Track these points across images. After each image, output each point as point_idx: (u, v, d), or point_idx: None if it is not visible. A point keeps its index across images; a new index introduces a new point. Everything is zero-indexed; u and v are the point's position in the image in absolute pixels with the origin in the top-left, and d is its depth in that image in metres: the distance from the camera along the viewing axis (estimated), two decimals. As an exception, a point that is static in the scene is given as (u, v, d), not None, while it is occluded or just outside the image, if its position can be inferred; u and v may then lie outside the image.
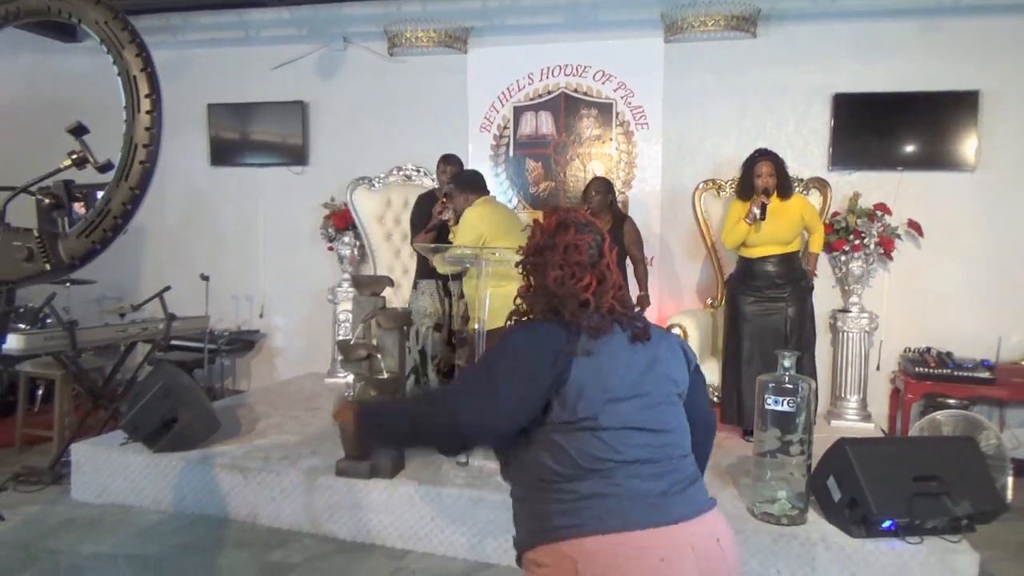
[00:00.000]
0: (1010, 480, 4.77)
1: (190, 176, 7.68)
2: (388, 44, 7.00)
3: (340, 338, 6.49)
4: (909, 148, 6.07)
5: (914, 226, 5.98)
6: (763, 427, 4.12)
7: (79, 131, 2.63)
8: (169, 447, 5.18)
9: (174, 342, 6.80)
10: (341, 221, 7.07)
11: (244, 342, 7.54)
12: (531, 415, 2.35)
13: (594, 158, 6.77)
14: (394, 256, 7.03)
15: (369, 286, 5.05)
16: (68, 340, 5.44)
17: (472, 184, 5.58)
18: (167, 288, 6.11)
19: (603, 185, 6.02)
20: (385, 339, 4.84)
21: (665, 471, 2.34)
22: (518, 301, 2.59)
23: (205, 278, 6.82)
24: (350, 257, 7.17)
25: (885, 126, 6.12)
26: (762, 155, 5.45)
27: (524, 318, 2.56)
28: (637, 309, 2.51)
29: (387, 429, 2.61)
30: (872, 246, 5.92)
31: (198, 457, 5.08)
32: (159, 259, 7.70)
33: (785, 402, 4.06)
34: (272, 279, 7.67)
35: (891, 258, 6.05)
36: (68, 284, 6.48)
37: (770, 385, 4.09)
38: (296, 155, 7.45)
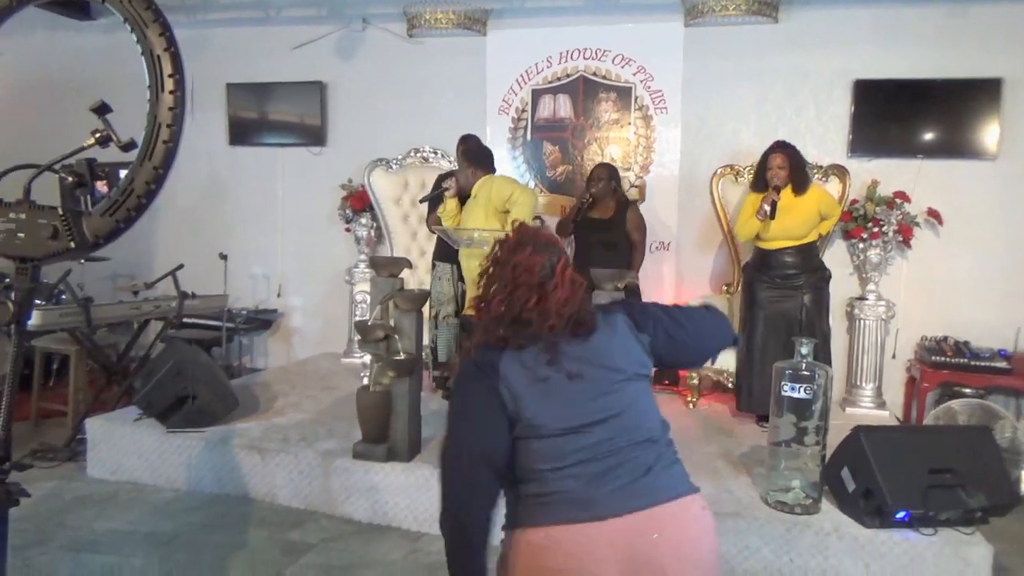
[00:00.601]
0: None
1: (209, 156, 7.69)
2: (407, 25, 7.00)
3: (357, 319, 6.49)
4: (929, 136, 6.03)
5: (933, 214, 5.95)
6: (779, 413, 4.12)
7: (102, 110, 2.63)
8: (184, 424, 5.26)
9: (192, 320, 6.83)
10: (358, 202, 7.07)
11: (262, 321, 7.57)
12: (501, 460, 2.46)
13: (612, 142, 6.76)
14: (411, 238, 7.03)
15: (387, 267, 5.05)
16: (83, 317, 5.51)
17: (479, 159, 5.60)
18: (180, 266, 6.14)
19: (607, 171, 6.05)
20: (402, 320, 4.85)
21: (606, 468, 2.39)
22: (471, 312, 2.72)
23: (223, 257, 6.83)
24: (367, 238, 7.17)
25: (905, 113, 6.07)
26: (776, 147, 5.42)
27: (475, 329, 2.63)
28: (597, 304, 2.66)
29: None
30: (891, 234, 5.89)
31: (216, 436, 5.12)
32: (177, 238, 7.72)
33: (801, 389, 4.06)
34: (290, 259, 7.69)
35: (909, 246, 6.01)
36: (83, 261, 6.50)
37: (787, 372, 4.09)
38: (314, 136, 7.45)
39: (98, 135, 2.65)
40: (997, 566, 3.84)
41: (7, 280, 3.26)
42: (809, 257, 5.40)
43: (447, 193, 5.71)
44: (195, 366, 5.35)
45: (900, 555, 3.85)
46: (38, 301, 6.02)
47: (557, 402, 2.46)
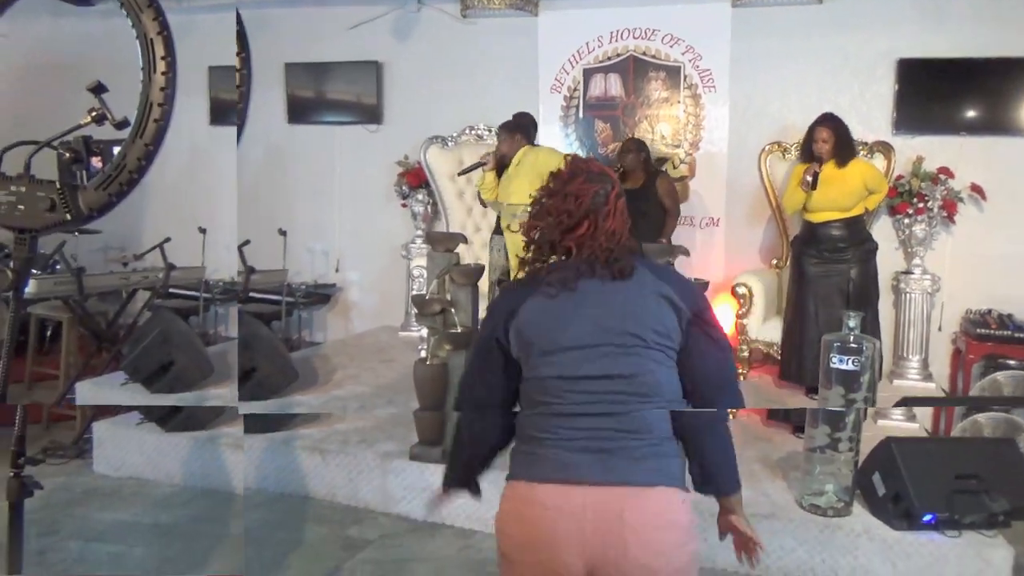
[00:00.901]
0: None
1: (267, 134, 7.91)
2: (461, 6, 7.19)
3: (414, 293, 6.70)
4: (972, 113, 6.15)
5: (977, 190, 6.08)
6: (828, 386, 4.30)
7: (98, 89, 2.82)
8: (166, 388, 5.56)
9: (253, 294, 7.08)
10: (414, 179, 7.28)
11: (320, 295, 7.78)
12: (493, 380, 2.60)
13: (662, 120, 6.92)
14: (466, 214, 7.24)
15: (443, 242, 5.23)
16: (76, 285, 5.85)
17: (520, 128, 5.77)
18: (167, 239, 6.54)
19: (635, 144, 6.30)
20: (459, 294, 5.02)
21: (602, 427, 2.43)
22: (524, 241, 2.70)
23: (283, 233, 7.06)
24: (423, 214, 7.36)
25: (949, 91, 6.18)
26: (822, 120, 5.57)
27: (526, 261, 2.69)
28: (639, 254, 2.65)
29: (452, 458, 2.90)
30: (935, 209, 6.02)
31: (280, 438, 5.36)
32: (239, 213, 7.93)
33: (850, 361, 4.22)
34: (348, 234, 7.91)
35: (954, 221, 6.13)
36: (76, 234, 6.78)
37: (835, 344, 4.25)
38: (371, 114, 7.66)
39: (94, 113, 2.85)
40: (1017, 567, 4.04)
41: (6, 250, 3.52)
42: (856, 230, 5.54)
43: (485, 167, 5.90)
44: (178, 334, 5.74)
45: (925, 556, 4.08)
46: (34, 271, 6.36)
47: (575, 352, 2.48)
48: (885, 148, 6.17)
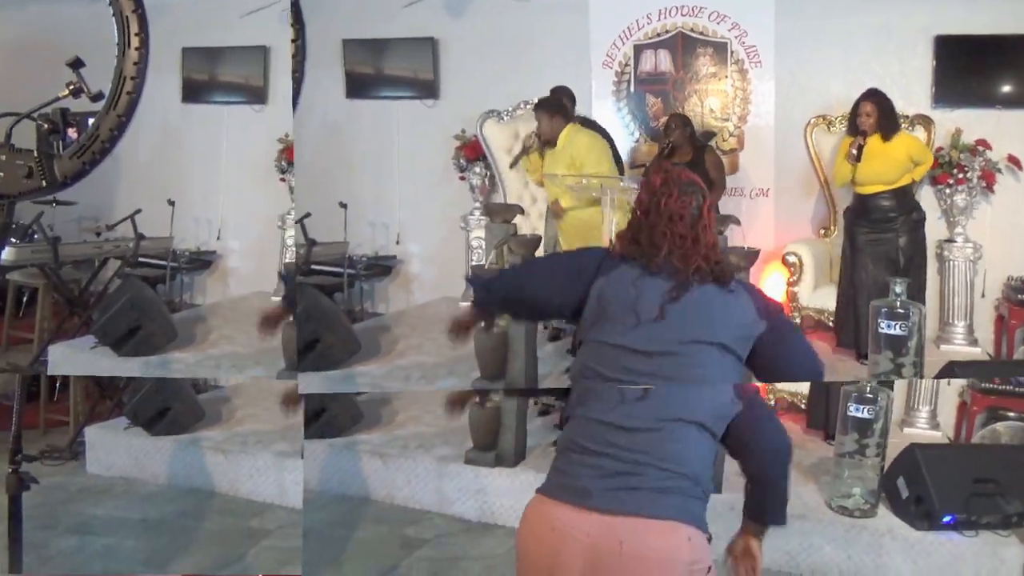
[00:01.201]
0: None
1: (327, 110, 8.16)
2: (514, -17, 7.43)
3: (474, 263, 6.98)
4: (1008, 88, 6.42)
5: (1014, 161, 6.33)
6: (877, 350, 4.62)
7: (76, 64, 3.08)
8: (132, 352, 6.11)
9: (314, 267, 7.38)
10: (472, 152, 7.52)
11: (382, 267, 7.97)
12: (540, 291, 2.77)
13: (711, 94, 7.17)
14: (523, 186, 7.41)
15: (500, 214, 5.49)
16: (51, 254, 6.32)
17: (551, 107, 6.00)
18: (138, 211, 6.94)
19: (680, 120, 6.56)
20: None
21: (616, 470, 2.47)
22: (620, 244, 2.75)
23: (343, 206, 7.35)
24: (480, 186, 7.59)
25: (985, 67, 6.45)
26: (866, 95, 5.88)
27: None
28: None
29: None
30: (975, 180, 6.29)
31: (340, 443, 5.75)
32: (300, 188, 8.17)
33: (897, 326, 4.55)
34: (407, 207, 8.06)
35: (993, 191, 6.39)
36: (54, 204, 7.00)
37: (883, 310, 4.59)
38: (428, 89, 7.88)
39: (71, 87, 3.10)
40: None
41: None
42: (904, 200, 5.84)
43: (529, 151, 6.16)
44: (145, 301, 6.26)
45: (944, 554, 4.50)
46: (13, 239, 6.76)
47: (641, 328, 2.52)
48: (925, 121, 6.42)
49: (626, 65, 7.33)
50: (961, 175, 6.27)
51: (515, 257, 5.38)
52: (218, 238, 8.00)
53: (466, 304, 7.41)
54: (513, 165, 6.54)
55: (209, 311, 7.33)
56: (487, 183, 7.64)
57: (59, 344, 6.41)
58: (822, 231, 6.89)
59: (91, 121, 3.12)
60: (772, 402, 6.26)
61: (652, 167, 3.38)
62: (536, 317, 3.09)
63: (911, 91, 6.61)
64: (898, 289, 4.62)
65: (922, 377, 4.99)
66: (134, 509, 5.56)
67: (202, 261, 8.00)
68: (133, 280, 6.44)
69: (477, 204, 7.64)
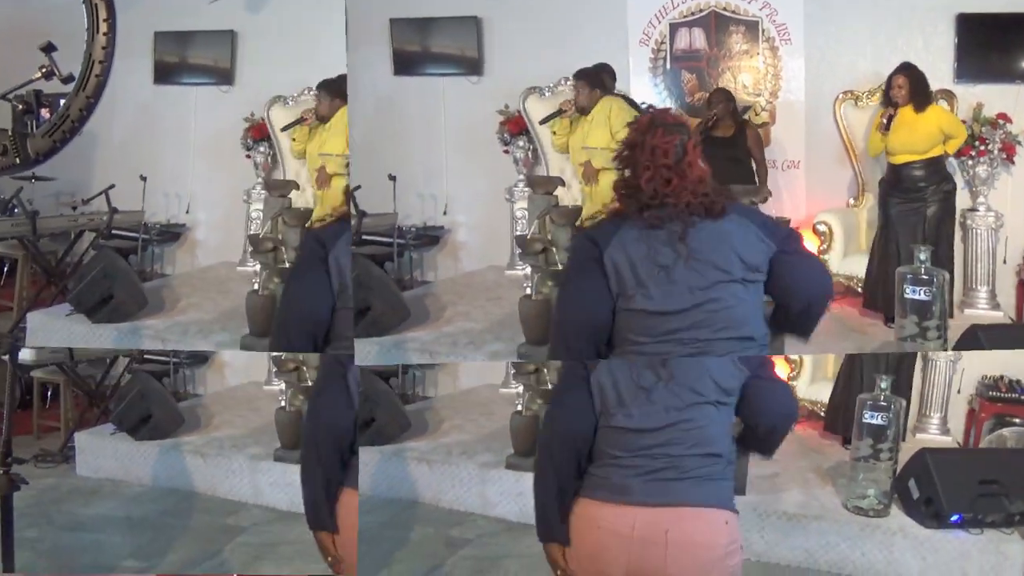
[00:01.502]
0: None
1: (375, 86, 8.47)
2: (554, -36, 7.70)
3: (518, 233, 7.26)
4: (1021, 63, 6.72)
5: None
6: (903, 314, 4.97)
7: (48, 48, 3.30)
8: (106, 319, 6.43)
9: (365, 237, 7.67)
10: (515, 127, 7.76)
11: (430, 237, 8.21)
12: (600, 330, 2.81)
13: (743, 71, 7.43)
14: (564, 159, 7.58)
15: (543, 185, 5.78)
16: (30, 227, 6.64)
17: (591, 78, 6.27)
18: (112, 186, 7.21)
19: (724, 94, 6.82)
20: (559, 234, 5.58)
21: (653, 466, 2.65)
22: (612, 195, 2.96)
23: (392, 178, 7.65)
24: (524, 159, 7.80)
25: (1005, 43, 6.74)
26: (899, 69, 6.21)
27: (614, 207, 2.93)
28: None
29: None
30: (996, 151, 6.59)
31: (389, 451, 6.06)
32: (352, 161, 8.41)
33: (922, 291, 4.89)
34: (454, 179, 8.33)
35: (1013, 162, 6.66)
36: (32, 180, 7.14)
37: (908, 276, 4.95)
38: (472, 66, 8.14)
39: (44, 70, 3.33)
40: None
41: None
42: (936, 170, 6.13)
43: (565, 114, 6.43)
44: (118, 270, 6.63)
45: (951, 551, 4.89)
46: None
47: (665, 284, 2.68)
48: (948, 96, 6.68)
49: (662, 43, 7.61)
50: (983, 147, 6.55)
51: (556, 227, 5.61)
52: (187, 211, 8.15)
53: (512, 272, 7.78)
54: (544, 122, 6.79)
55: (178, 280, 7.60)
56: (530, 156, 7.84)
57: (37, 312, 6.75)
58: (851, 201, 7.14)
59: (62, 102, 3.39)
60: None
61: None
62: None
63: (935, 67, 6.80)
64: (923, 256, 4.93)
65: (946, 341, 5.33)
66: (120, 508, 6.05)
67: (172, 233, 8.13)
68: (107, 251, 6.80)
69: (521, 177, 7.85)
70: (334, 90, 6.53)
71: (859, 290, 6.40)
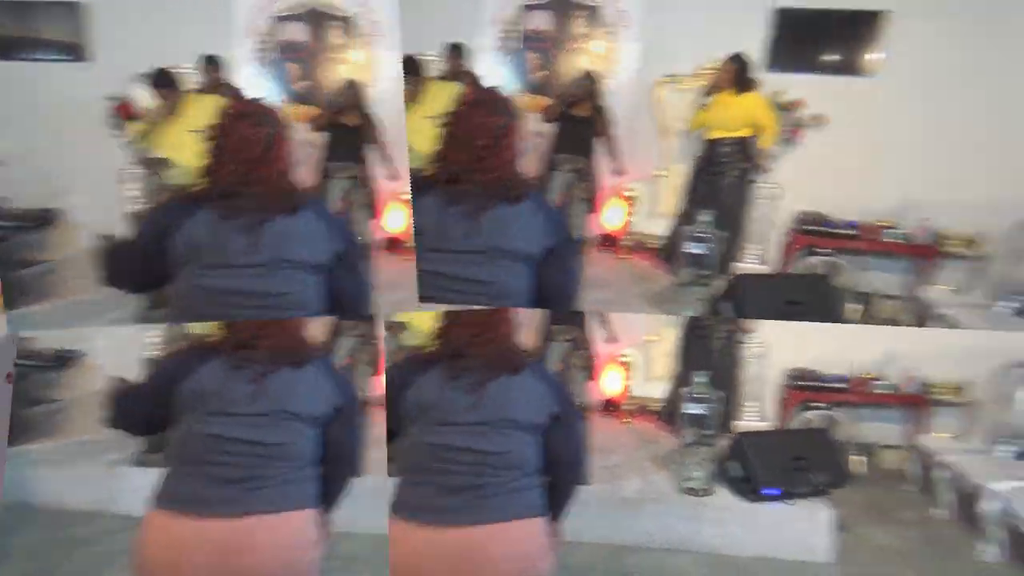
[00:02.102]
0: (857, 458, 6.11)
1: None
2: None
3: (133, 211, 7.02)
4: (831, 57, 7.43)
5: (816, 118, 7.27)
6: (684, 266, 5.60)
7: None
8: None
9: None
10: (124, 112, 7.18)
11: (44, 219, 7.01)
12: None
13: (584, 53, 7.92)
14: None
15: (152, 167, 6.04)
16: None
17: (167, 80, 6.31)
18: None
19: (587, 75, 7.37)
20: None
21: (233, 473, 2.83)
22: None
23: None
24: (135, 143, 7.49)
25: (815, 37, 7.31)
26: (729, 57, 6.86)
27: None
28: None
29: None
30: (786, 132, 7.27)
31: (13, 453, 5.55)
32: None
33: (701, 247, 5.56)
34: (66, 162, 7.14)
35: (798, 142, 7.33)
36: None
37: (689, 233, 5.53)
38: (77, 52, 7.49)
39: None
40: (836, 521, 5.33)
41: None
42: (742, 148, 6.25)
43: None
44: None
45: (770, 520, 5.38)
46: None
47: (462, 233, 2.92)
48: (758, 84, 7.39)
49: (515, 24, 8.10)
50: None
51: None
52: (57, 195, 8.06)
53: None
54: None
55: (59, 264, 7.45)
56: (141, 140, 7.71)
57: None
58: (653, 172, 7.60)
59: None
60: (630, 244, 6.78)
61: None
62: None
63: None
64: (705, 218, 5.59)
65: (713, 293, 5.96)
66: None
67: (43, 218, 7.29)
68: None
69: (133, 160, 7.77)
70: None
71: (655, 246, 7.05)
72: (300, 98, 7.26)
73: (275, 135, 2.88)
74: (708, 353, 6.37)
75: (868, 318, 6.31)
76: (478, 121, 2.94)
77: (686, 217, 6.58)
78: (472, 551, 2.70)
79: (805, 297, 5.76)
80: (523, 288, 2.99)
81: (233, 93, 3.19)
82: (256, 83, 6.99)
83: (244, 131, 2.82)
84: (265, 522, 2.71)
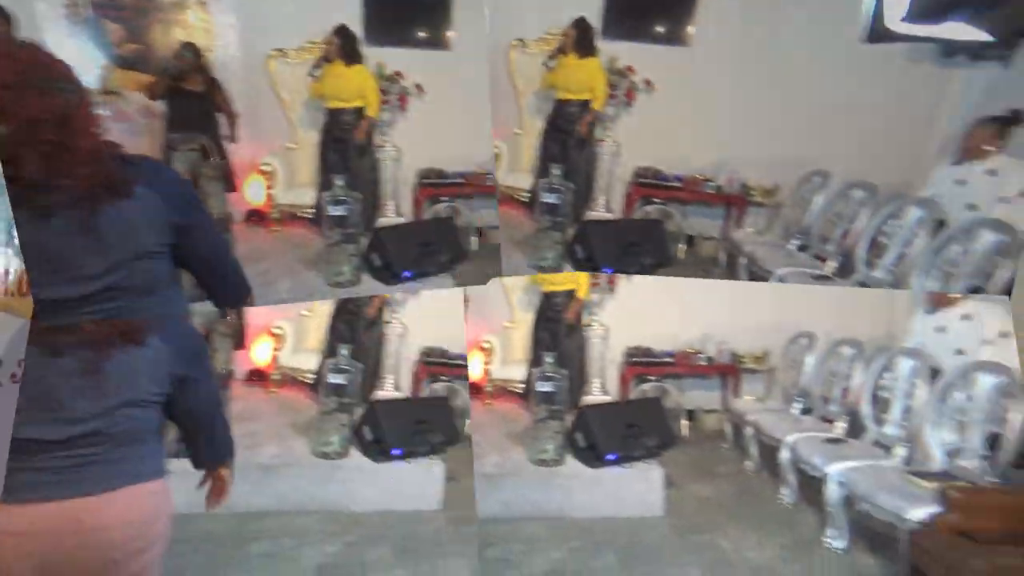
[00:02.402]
0: (683, 423, 6.09)
1: None
2: None
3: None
4: (661, 28, 8.00)
5: (648, 83, 8.01)
6: (541, 213, 5.95)
7: None
8: None
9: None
10: None
11: None
12: None
13: (175, 24, 7.33)
14: None
15: None
16: None
17: None
18: None
19: (191, 48, 6.98)
20: None
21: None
22: None
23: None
24: None
25: (646, 8, 7.95)
26: (573, 23, 7.28)
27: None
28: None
29: None
30: (620, 96, 7.92)
31: None
32: None
33: (552, 197, 5.65)
34: None
35: (632, 104, 8.06)
36: None
37: (544, 184, 5.63)
38: None
39: None
40: (666, 479, 5.50)
41: None
42: (587, 110, 7.19)
43: None
44: None
45: (611, 483, 5.55)
46: None
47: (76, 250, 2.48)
48: (597, 50, 7.85)
49: None
50: (612, 92, 7.90)
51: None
52: None
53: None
54: None
55: None
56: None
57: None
58: (289, 144, 7.70)
59: None
60: (490, 389, 6.25)
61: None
62: None
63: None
64: (556, 171, 6.22)
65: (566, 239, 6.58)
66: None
67: None
68: None
69: None
70: None
71: (522, 199, 7.54)
72: (127, 63, 6.81)
73: (74, 104, 2.42)
74: (556, 336, 7.10)
75: (692, 255, 7.13)
76: (33, 103, 2.36)
77: (542, 171, 7.17)
78: (76, 522, 2.45)
79: (643, 239, 6.22)
80: (161, 283, 2.62)
81: (28, 54, 2.44)
82: (68, 45, 6.61)
83: (32, 103, 2.34)
84: (96, 502, 2.48)
